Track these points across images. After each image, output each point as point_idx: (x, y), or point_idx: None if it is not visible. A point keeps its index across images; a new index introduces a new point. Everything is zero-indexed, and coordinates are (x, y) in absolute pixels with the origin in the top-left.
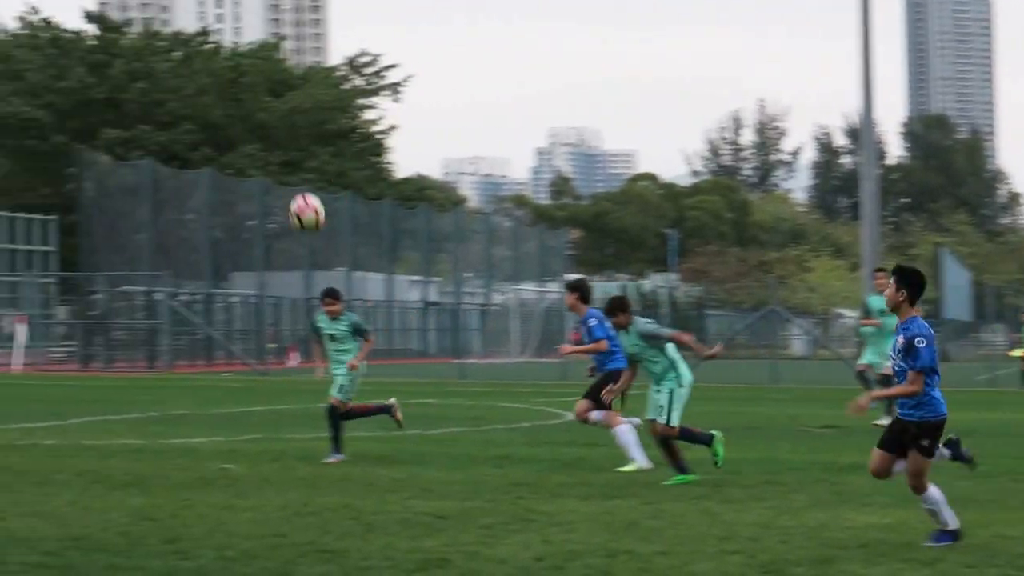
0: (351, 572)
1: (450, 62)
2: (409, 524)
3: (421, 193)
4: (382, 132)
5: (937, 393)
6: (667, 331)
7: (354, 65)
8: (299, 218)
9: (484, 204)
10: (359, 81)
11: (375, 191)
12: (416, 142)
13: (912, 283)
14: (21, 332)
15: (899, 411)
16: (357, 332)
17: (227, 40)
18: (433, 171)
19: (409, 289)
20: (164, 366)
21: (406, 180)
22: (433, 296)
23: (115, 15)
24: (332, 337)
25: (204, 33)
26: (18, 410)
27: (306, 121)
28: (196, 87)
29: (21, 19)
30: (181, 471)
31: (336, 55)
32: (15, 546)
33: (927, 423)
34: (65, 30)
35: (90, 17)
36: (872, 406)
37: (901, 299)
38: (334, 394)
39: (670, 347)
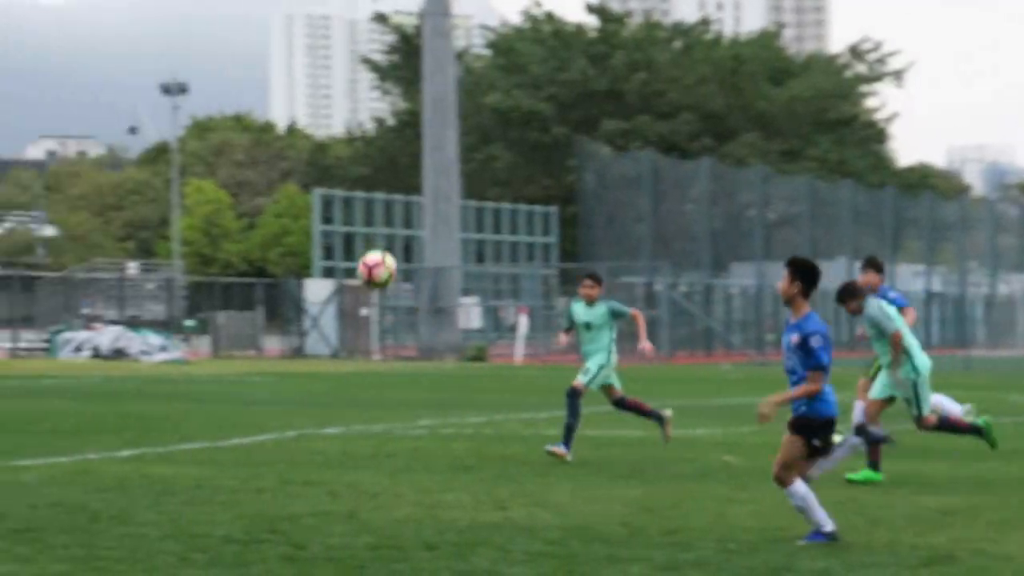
0: (854, 567)
1: (955, 47)
2: (915, 519)
3: (924, 181)
4: (884, 120)
5: (828, 391)
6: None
7: (856, 52)
8: (371, 275)
9: (989, 192)
10: (861, 68)
11: (876, 179)
12: (920, 130)
13: (806, 275)
14: (523, 323)
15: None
16: (615, 316)
17: (727, 29)
18: (937, 159)
19: (912, 279)
20: (663, 357)
21: (909, 168)
22: (936, 286)
23: (616, 7)
24: (587, 326)
25: (704, 23)
26: (521, 400)
27: (807, 109)
28: (696, 77)
29: (524, 13)
30: (680, 462)
31: (837, 42)
32: (518, 535)
33: (815, 420)
34: (567, 23)
35: (591, 9)
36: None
37: (795, 291)
38: (580, 377)
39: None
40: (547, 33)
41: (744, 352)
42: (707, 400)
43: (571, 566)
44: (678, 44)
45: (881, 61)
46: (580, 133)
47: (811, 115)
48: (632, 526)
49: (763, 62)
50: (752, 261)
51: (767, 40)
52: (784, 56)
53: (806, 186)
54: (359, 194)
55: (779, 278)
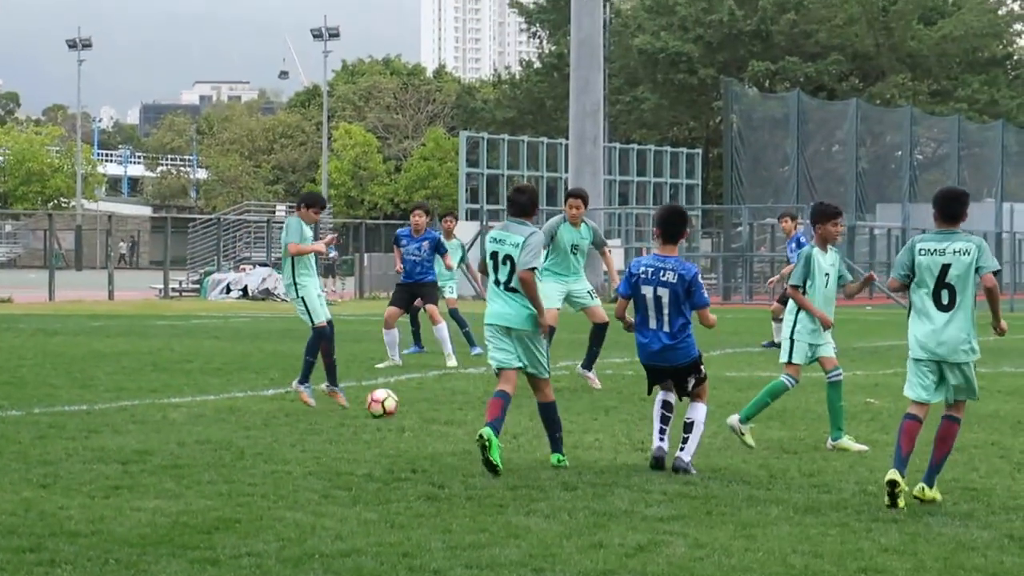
0: (997, 511)
1: None
2: None
3: None
4: None
5: None
6: None
7: None
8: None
9: None
10: (1015, 6)
11: None
12: None
13: None
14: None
15: None
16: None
17: None
18: None
19: None
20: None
21: None
22: None
23: None
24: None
25: None
26: None
27: (958, 49)
28: (846, 17)
29: None
30: (822, 404)
31: None
32: (656, 476)
33: None
34: None
35: None
36: None
37: None
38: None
39: None
40: None
41: (888, 295)
42: (850, 342)
43: (710, 507)
44: None
45: None
46: (727, 75)
47: (962, 55)
48: (772, 468)
49: (914, 1)
50: (898, 203)
51: None
52: None
53: (955, 126)
54: (505, 136)
55: (924, 220)
